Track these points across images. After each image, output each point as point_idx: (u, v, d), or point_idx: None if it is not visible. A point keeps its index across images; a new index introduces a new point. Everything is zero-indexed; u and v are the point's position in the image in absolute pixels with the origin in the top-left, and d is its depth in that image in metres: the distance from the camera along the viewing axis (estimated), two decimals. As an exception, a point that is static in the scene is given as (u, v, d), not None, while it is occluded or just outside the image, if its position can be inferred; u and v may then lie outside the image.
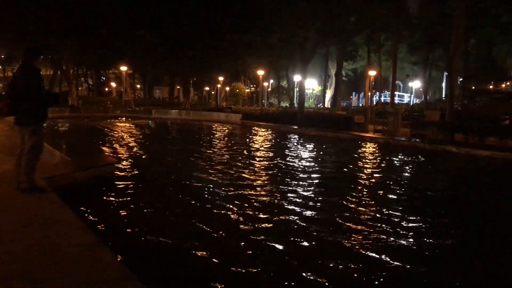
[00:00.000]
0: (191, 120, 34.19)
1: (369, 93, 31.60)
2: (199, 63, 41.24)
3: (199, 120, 33.74)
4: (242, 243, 5.21)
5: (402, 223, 6.25)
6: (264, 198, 7.59)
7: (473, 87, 39.97)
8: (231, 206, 6.83)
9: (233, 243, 5.26)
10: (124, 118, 33.80)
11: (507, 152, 14.31)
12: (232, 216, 6.37)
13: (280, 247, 5.13)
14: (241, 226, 5.92)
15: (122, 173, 9.43)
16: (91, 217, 5.88)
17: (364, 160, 13.45)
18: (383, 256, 4.90)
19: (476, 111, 22.65)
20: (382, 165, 12.79)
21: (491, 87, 42.62)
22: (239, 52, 39.68)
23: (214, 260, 4.67)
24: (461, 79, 38.40)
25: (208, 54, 39.47)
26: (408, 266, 4.68)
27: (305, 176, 10.02)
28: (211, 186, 8.46)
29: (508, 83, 41.75)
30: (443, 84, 49.88)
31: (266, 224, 6.02)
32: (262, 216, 6.39)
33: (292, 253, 4.95)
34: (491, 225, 6.68)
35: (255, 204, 7.10)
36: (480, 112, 21.84)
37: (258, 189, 8.35)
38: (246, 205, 6.99)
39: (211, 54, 39.65)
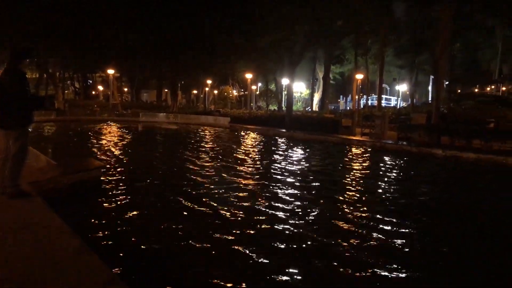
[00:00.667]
0: (179, 123, 34.02)
1: (357, 97, 31.77)
2: (188, 66, 41.05)
3: (187, 123, 33.58)
4: (238, 243, 5.19)
5: (399, 224, 6.29)
6: (255, 199, 7.54)
7: (459, 91, 40.55)
8: (223, 208, 6.80)
9: (228, 244, 5.22)
10: (111, 122, 33.49)
11: (493, 155, 14.54)
12: (223, 217, 6.34)
13: (277, 247, 5.13)
14: (234, 226, 5.90)
15: (110, 177, 9.33)
16: (78, 222, 5.79)
17: (351, 163, 13.51)
18: (382, 257, 4.93)
19: (462, 114, 22.91)
20: (370, 168, 12.85)
21: (476, 90, 43.31)
22: (228, 54, 39.64)
23: (208, 261, 4.65)
24: (447, 83, 38.89)
25: (197, 56, 39.31)
26: (408, 267, 4.70)
27: (293, 179, 10.02)
28: (201, 189, 8.41)
29: (493, 87, 42.41)
30: (430, 88, 50.47)
31: (260, 226, 5.99)
32: (254, 217, 6.37)
33: (288, 253, 4.94)
34: (490, 225, 6.76)
35: (246, 205, 7.06)
36: (466, 115, 22.11)
37: (249, 190, 8.31)
38: (237, 206, 6.95)
39: (200, 56, 39.49)
